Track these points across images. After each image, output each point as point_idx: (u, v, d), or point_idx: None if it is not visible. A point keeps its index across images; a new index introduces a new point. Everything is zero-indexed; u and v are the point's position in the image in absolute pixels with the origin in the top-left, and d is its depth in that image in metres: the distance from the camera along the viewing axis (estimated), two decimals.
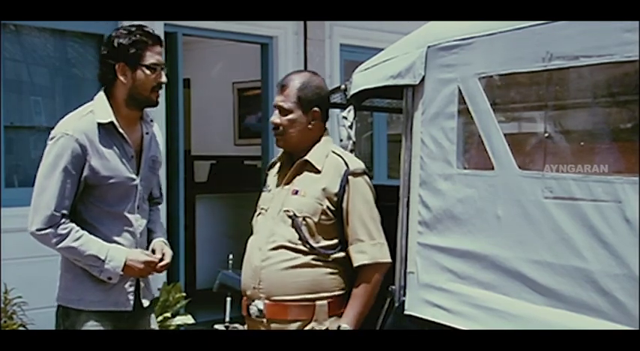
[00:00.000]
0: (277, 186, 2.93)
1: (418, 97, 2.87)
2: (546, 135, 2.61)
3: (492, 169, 2.58)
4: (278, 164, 3.01)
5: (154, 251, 2.94)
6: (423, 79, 2.85)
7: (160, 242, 2.98)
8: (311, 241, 2.77)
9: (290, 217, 2.79)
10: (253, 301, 2.84)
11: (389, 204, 3.04)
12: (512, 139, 2.62)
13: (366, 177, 2.88)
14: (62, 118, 2.96)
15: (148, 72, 2.83)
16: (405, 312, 2.85)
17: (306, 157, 2.86)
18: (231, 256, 5.27)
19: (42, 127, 5.36)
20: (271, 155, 6.33)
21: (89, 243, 2.78)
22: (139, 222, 2.91)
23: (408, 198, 2.91)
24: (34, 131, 5.37)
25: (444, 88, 2.77)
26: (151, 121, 3.04)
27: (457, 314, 2.65)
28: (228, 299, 4.93)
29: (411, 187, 2.90)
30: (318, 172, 2.83)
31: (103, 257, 2.77)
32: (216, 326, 5.02)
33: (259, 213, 2.95)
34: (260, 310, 2.81)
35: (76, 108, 3.00)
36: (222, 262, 5.53)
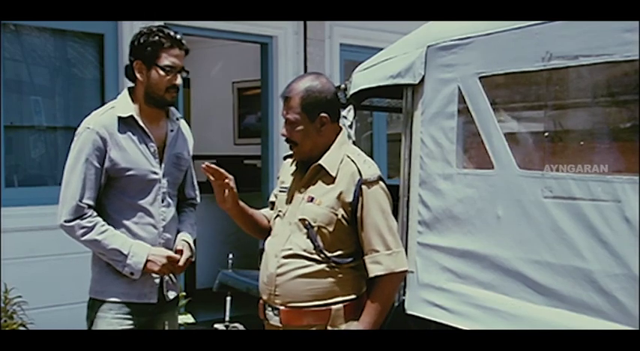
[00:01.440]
0: (293, 187, 2.89)
1: (418, 97, 2.87)
2: (546, 135, 2.61)
3: (492, 168, 2.58)
4: (294, 167, 2.92)
5: (176, 250, 2.99)
6: (422, 79, 2.85)
7: (182, 241, 3.02)
8: (326, 252, 2.73)
9: (305, 226, 2.75)
10: (270, 306, 2.83)
11: None
12: (512, 139, 2.62)
13: (381, 184, 2.77)
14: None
15: (161, 73, 2.88)
16: (405, 311, 2.85)
17: (320, 162, 2.79)
18: (231, 256, 5.27)
19: (42, 127, 5.36)
20: (271, 155, 6.33)
21: (113, 237, 2.84)
22: (162, 216, 2.95)
23: (408, 198, 2.91)
24: (34, 131, 5.37)
25: (444, 88, 2.77)
26: (177, 119, 3.07)
27: (457, 314, 2.65)
28: (228, 299, 4.93)
29: (410, 186, 2.91)
30: (332, 178, 2.77)
31: (126, 252, 2.83)
32: (216, 326, 5.02)
33: (277, 215, 2.92)
34: (276, 316, 2.80)
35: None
36: (222, 262, 5.53)
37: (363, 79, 3.25)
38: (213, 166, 2.76)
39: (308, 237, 2.74)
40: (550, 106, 2.67)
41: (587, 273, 2.25)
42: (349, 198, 2.73)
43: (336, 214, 2.73)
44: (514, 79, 2.64)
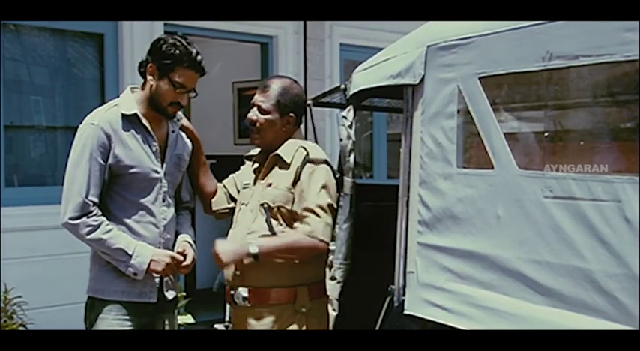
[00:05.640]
0: (255, 182, 3.11)
1: (418, 97, 2.87)
2: (546, 135, 2.61)
3: (492, 168, 2.58)
4: (257, 164, 3.17)
5: (179, 252, 3.00)
6: (422, 79, 2.85)
7: (184, 243, 3.04)
8: (276, 228, 2.94)
9: (265, 210, 2.97)
10: (237, 288, 2.98)
11: (389, 204, 3.05)
12: (512, 139, 2.62)
13: (326, 166, 3.02)
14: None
15: (170, 86, 2.90)
16: (405, 311, 2.85)
17: (277, 152, 3.05)
18: None
19: (42, 127, 5.36)
20: None
21: (118, 237, 2.85)
22: (162, 215, 2.97)
23: (408, 198, 2.91)
24: (34, 131, 5.37)
25: (444, 88, 2.77)
26: (178, 120, 3.09)
27: (457, 314, 2.65)
28: None
29: (410, 186, 2.90)
30: (287, 165, 3.01)
31: (130, 252, 2.84)
32: (216, 326, 5.02)
33: (240, 208, 3.13)
34: (244, 297, 2.96)
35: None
36: None
37: (363, 79, 3.24)
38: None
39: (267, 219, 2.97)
40: (550, 106, 2.67)
41: (587, 273, 2.25)
42: (297, 175, 2.98)
43: (292, 194, 2.98)
44: (514, 79, 2.64)
